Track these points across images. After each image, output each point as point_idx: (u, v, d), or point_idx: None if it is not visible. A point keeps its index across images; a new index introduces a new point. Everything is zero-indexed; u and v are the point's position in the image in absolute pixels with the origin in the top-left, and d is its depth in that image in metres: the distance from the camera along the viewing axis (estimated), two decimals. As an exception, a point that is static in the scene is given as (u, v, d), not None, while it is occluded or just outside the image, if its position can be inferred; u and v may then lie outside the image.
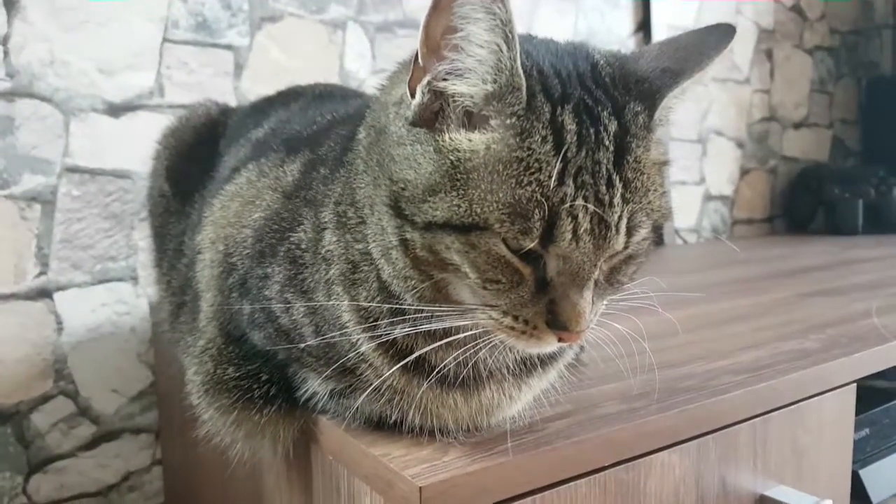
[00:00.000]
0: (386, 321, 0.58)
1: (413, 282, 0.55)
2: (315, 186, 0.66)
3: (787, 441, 0.79)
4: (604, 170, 0.49)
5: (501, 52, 0.48)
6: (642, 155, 0.51)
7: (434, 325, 0.55)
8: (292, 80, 1.11)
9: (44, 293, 1.21)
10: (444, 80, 0.50)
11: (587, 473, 0.61)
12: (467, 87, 0.50)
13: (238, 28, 1.37)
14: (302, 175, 0.69)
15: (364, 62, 1.53)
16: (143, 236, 1.28)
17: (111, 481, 1.28)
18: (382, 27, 1.54)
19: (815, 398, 0.81)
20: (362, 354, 0.59)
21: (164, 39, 1.30)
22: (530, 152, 0.48)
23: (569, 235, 0.48)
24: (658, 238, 0.57)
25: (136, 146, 1.24)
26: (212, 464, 0.97)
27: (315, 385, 0.65)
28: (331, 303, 0.60)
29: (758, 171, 2.39)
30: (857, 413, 0.88)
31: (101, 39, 1.23)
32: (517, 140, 0.48)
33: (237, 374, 0.67)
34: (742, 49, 2.29)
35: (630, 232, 0.51)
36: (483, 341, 0.55)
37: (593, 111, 0.50)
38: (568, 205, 0.47)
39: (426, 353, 0.57)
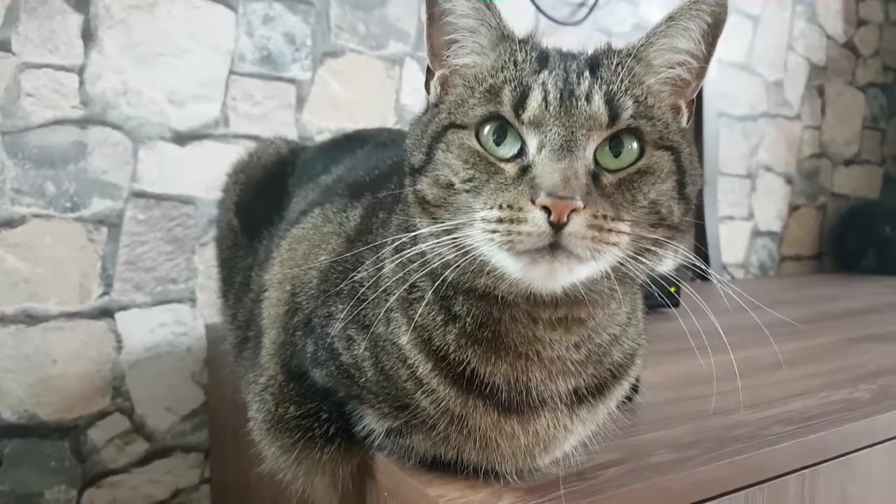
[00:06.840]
0: (439, 323, 0.60)
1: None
2: (375, 230, 0.69)
3: (835, 494, 0.79)
4: (575, 67, 0.57)
5: (486, 17, 0.58)
6: (617, 67, 0.57)
7: (449, 261, 0.55)
8: (350, 113, 1.13)
9: (106, 312, 1.26)
10: (454, 60, 0.60)
11: (638, 522, 0.62)
12: (471, 58, 0.60)
13: (301, 62, 1.41)
14: (363, 220, 0.73)
15: (419, 96, 1.55)
16: (202, 260, 1.33)
17: (161, 497, 1.32)
18: (438, 62, 1.56)
19: (865, 450, 0.81)
20: (419, 379, 0.61)
21: (231, 72, 1.35)
22: (513, 62, 0.58)
23: (539, 98, 0.54)
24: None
25: (201, 173, 1.29)
26: (260, 485, 0.99)
27: (372, 422, 0.67)
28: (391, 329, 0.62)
29: (807, 207, 2.37)
30: (907, 467, 0.87)
31: (172, 71, 1.29)
32: (504, 58, 0.58)
33: (298, 413, 0.69)
34: (793, 85, 2.28)
35: (613, 107, 0.54)
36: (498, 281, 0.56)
37: (568, 54, 0.60)
38: (540, 81, 0.55)
39: (475, 365, 0.59)
